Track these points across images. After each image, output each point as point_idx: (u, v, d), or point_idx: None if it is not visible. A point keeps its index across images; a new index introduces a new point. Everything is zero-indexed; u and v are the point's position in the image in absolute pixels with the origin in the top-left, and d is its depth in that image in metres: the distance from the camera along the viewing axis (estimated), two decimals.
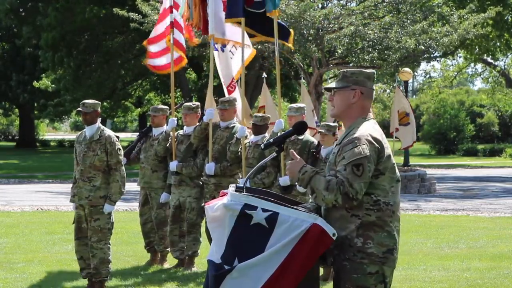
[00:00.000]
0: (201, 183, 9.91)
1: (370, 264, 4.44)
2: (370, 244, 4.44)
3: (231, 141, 9.66)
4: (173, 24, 10.65)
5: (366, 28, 21.16)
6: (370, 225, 4.45)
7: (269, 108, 18.86)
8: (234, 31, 10.20)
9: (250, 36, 10.16)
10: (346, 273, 4.46)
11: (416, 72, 34.23)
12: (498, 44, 33.23)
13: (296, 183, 4.56)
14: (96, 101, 8.60)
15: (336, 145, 4.66)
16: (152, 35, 11.25)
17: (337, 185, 4.36)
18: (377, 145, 4.47)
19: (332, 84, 4.67)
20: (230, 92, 10.33)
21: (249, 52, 10.64)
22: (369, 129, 4.54)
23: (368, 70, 4.70)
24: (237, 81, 10.80)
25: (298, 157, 4.57)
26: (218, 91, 14.69)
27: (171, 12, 10.66)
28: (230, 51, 10.48)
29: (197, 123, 9.97)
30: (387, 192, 4.49)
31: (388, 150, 4.55)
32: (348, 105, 4.62)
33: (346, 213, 4.46)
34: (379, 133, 4.56)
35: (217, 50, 10.39)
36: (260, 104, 19.44)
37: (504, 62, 39.76)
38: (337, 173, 4.43)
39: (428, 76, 40.20)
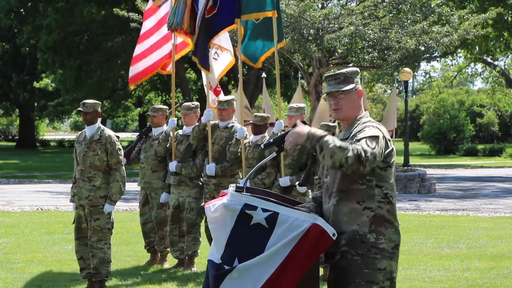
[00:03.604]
0: (200, 183, 9.91)
1: (382, 260, 4.49)
2: (382, 240, 4.50)
3: (230, 141, 9.66)
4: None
5: (366, 28, 21.15)
6: (381, 220, 4.50)
7: (267, 109, 18.88)
8: (221, 37, 10.34)
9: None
10: (357, 267, 4.48)
11: (416, 72, 34.21)
12: (498, 44, 33.22)
13: (302, 142, 4.49)
14: (97, 101, 8.60)
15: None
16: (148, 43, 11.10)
17: (351, 147, 4.33)
18: (386, 135, 4.55)
19: (338, 87, 4.65)
20: (218, 93, 10.37)
21: (230, 59, 10.80)
22: (375, 122, 4.63)
23: (357, 68, 4.78)
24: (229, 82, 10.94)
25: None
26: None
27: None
28: (216, 52, 10.51)
29: (196, 123, 9.98)
30: (392, 186, 4.57)
31: (392, 145, 4.60)
32: (353, 105, 4.66)
33: (358, 206, 4.49)
34: (384, 128, 4.63)
35: None
36: (262, 107, 19.48)
37: (504, 62, 39.75)
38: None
39: (428, 76, 40.20)
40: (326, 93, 4.69)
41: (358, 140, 4.40)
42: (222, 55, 10.77)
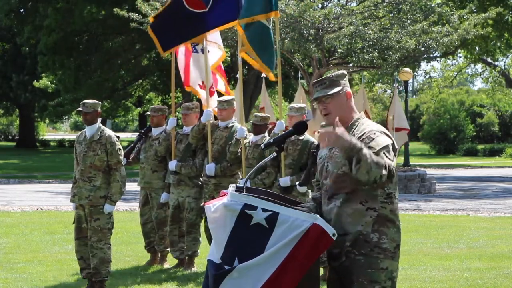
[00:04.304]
0: (200, 183, 9.91)
1: (384, 259, 4.51)
2: (384, 240, 4.51)
3: (230, 141, 9.65)
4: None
5: (366, 28, 21.15)
6: (384, 220, 4.51)
7: (267, 109, 18.90)
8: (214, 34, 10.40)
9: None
10: (360, 267, 4.49)
11: (416, 72, 34.20)
12: (498, 44, 33.22)
13: (341, 146, 4.36)
14: (97, 101, 8.60)
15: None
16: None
17: (384, 162, 4.34)
18: (390, 139, 4.56)
19: (324, 92, 4.64)
20: (212, 94, 10.35)
21: (220, 53, 10.77)
22: (376, 125, 4.63)
23: (344, 71, 4.80)
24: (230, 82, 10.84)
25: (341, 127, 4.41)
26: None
27: None
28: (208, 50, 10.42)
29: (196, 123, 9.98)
30: (395, 185, 4.58)
31: (396, 146, 4.62)
32: (343, 108, 4.65)
33: (361, 206, 4.49)
34: (385, 129, 4.64)
35: (197, 52, 10.42)
36: (260, 106, 19.47)
37: (504, 62, 39.77)
38: None
39: (428, 76, 40.20)
40: (313, 99, 4.70)
41: (377, 153, 4.38)
42: (213, 50, 10.68)
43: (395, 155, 4.54)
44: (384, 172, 4.31)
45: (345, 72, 4.75)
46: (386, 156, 4.40)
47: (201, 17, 9.74)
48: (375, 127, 4.58)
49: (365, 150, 4.30)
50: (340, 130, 4.32)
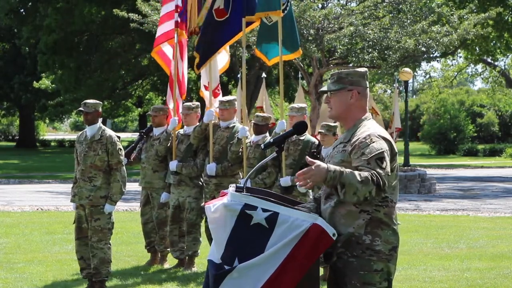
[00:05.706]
0: (200, 183, 9.91)
1: (377, 261, 4.45)
2: (378, 242, 4.45)
3: (231, 141, 9.66)
4: (177, 24, 10.67)
5: (366, 28, 21.16)
6: (378, 222, 4.45)
7: (266, 109, 18.87)
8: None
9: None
10: (353, 269, 4.46)
11: (416, 72, 34.21)
12: (498, 44, 33.24)
13: (323, 184, 4.39)
14: (98, 101, 8.61)
15: (339, 143, 4.63)
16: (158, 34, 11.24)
17: (370, 177, 4.29)
18: (389, 143, 4.51)
19: (328, 86, 4.66)
20: (216, 95, 10.37)
21: (226, 59, 10.84)
22: (377, 127, 4.58)
23: (361, 69, 4.70)
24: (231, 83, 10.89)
25: (316, 161, 4.35)
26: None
27: (177, 11, 10.63)
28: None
29: (197, 123, 9.99)
30: (393, 189, 4.52)
31: (396, 149, 4.59)
32: (347, 106, 4.62)
33: (355, 209, 4.44)
34: (386, 132, 4.61)
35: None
36: (257, 105, 19.44)
37: (504, 62, 39.77)
38: (359, 168, 4.38)
39: (428, 76, 40.21)
40: (319, 91, 4.72)
41: (368, 161, 4.36)
42: (220, 54, 10.75)
43: (394, 159, 4.50)
44: (373, 187, 4.28)
45: (359, 70, 4.67)
46: (378, 165, 4.35)
47: (226, 23, 9.84)
48: (373, 131, 4.51)
49: (347, 173, 4.28)
50: (315, 166, 4.28)
